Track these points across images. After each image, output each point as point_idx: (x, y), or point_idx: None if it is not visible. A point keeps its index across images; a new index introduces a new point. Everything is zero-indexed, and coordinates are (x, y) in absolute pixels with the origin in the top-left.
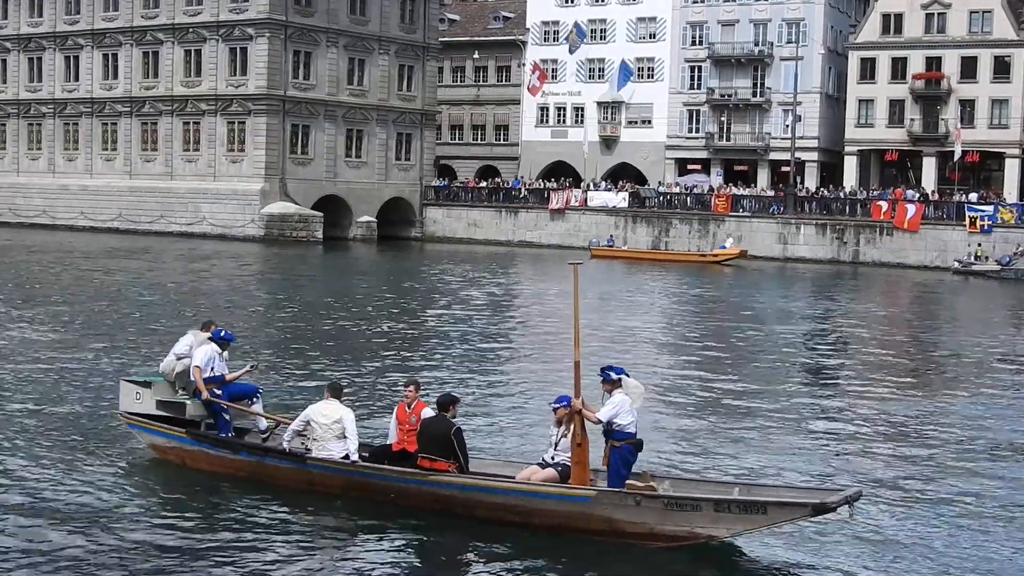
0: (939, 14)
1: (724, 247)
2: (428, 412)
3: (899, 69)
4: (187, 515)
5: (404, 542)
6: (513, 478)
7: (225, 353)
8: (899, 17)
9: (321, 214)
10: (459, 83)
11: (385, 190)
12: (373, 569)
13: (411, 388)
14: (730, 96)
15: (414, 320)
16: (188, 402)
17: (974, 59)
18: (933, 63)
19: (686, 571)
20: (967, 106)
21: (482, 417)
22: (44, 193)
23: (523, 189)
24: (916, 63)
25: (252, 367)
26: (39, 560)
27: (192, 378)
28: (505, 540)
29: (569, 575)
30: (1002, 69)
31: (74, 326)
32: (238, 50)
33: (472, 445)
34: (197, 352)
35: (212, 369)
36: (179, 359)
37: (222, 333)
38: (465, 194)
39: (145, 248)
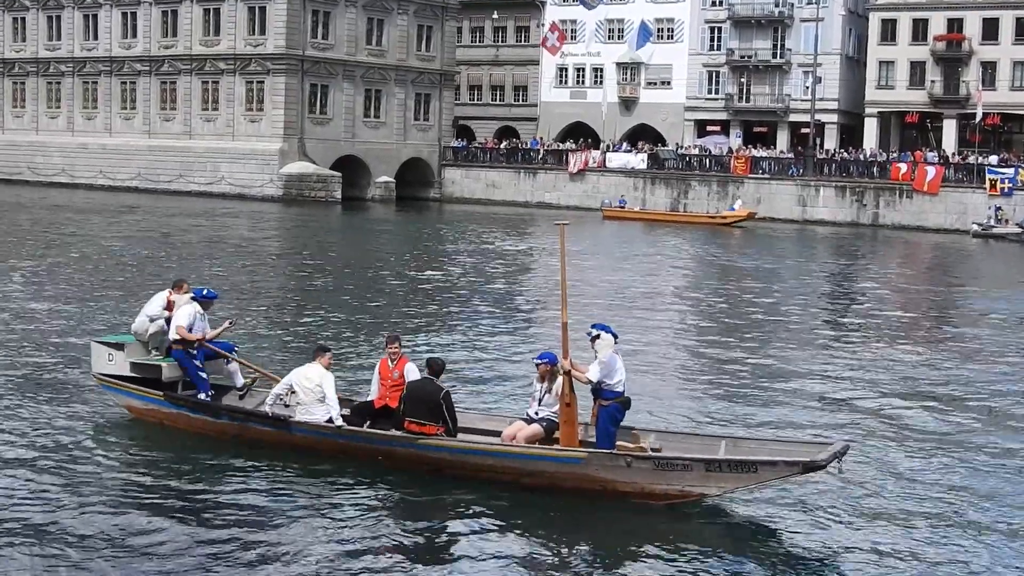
0: None
1: (733, 209)
2: (411, 368)
3: (920, 30)
4: (167, 475)
5: (392, 501)
6: (499, 433)
7: (206, 312)
8: None
9: (339, 174)
10: (478, 43)
11: (403, 150)
12: (361, 529)
13: (394, 344)
14: (750, 57)
15: (418, 279)
16: (164, 364)
17: (996, 20)
18: (954, 24)
19: (677, 527)
20: (988, 68)
21: (471, 371)
22: (63, 152)
23: (541, 150)
24: (937, 24)
25: (230, 323)
26: (10, 523)
27: (169, 338)
28: (495, 498)
29: (562, 532)
30: None
31: (57, 283)
32: (257, 9)
33: (458, 399)
34: (179, 312)
35: (191, 329)
36: (152, 320)
37: (204, 292)
38: (483, 155)
39: (152, 206)
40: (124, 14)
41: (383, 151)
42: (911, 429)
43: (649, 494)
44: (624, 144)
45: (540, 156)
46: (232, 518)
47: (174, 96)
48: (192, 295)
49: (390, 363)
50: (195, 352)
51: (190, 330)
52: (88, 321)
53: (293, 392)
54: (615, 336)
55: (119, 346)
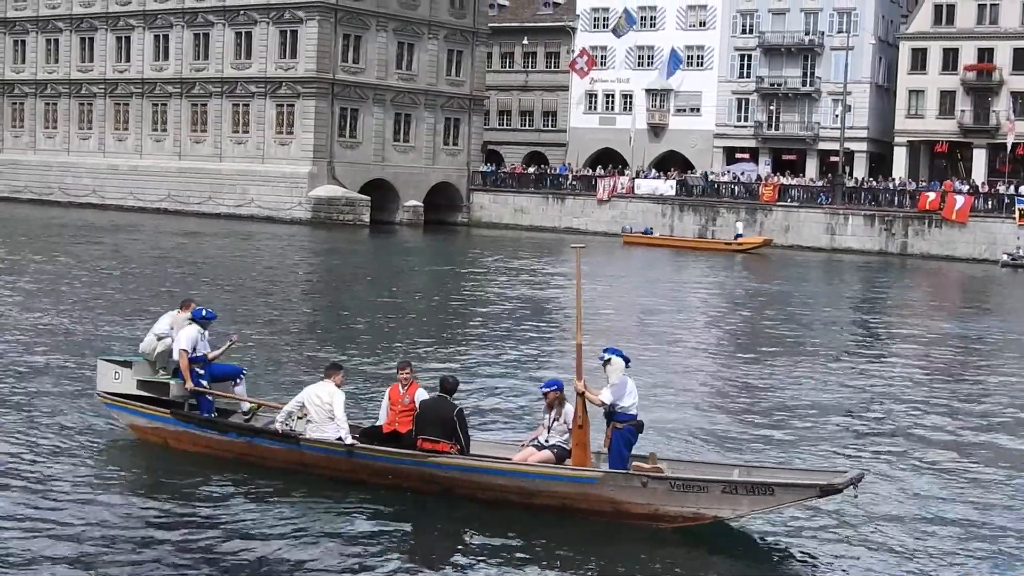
0: (992, 5)
1: (740, 235)
2: (422, 393)
3: (950, 60)
4: (173, 496)
5: (401, 524)
6: (510, 460)
7: (206, 332)
8: (951, 8)
9: (368, 198)
10: (508, 69)
11: (432, 175)
12: (368, 552)
13: (405, 370)
14: (779, 85)
15: (438, 302)
16: (172, 382)
17: None
18: (985, 54)
19: (689, 551)
20: (1019, 98)
21: (484, 395)
22: (93, 173)
23: (570, 176)
24: (968, 54)
25: (231, 342)
26: (15, 545)
27: (175, 359)
28: (507, 521)
29: (574, 555)
30: None
31: (70, 301)
32: (288, 33)
33: (469, 424)
34: (180, 334)
35: (195, 350)
36: (160, 339)
37: (203, 313)
38: (512, 180)
39: (180, 228)
40: (156, 37)
41: (412, 175)
42: (929, 458)
43: (663, 516)
44: (653, 171)
45: (568, 182)
46: (238, 538)
47: (205, 118)
48: (191, 316)
49: (401, 388)
50: (202, 372)
51: (193, 351)
52: (97, 339)
53: (304, 413)
54: (627, 360)
55: (126, 364)
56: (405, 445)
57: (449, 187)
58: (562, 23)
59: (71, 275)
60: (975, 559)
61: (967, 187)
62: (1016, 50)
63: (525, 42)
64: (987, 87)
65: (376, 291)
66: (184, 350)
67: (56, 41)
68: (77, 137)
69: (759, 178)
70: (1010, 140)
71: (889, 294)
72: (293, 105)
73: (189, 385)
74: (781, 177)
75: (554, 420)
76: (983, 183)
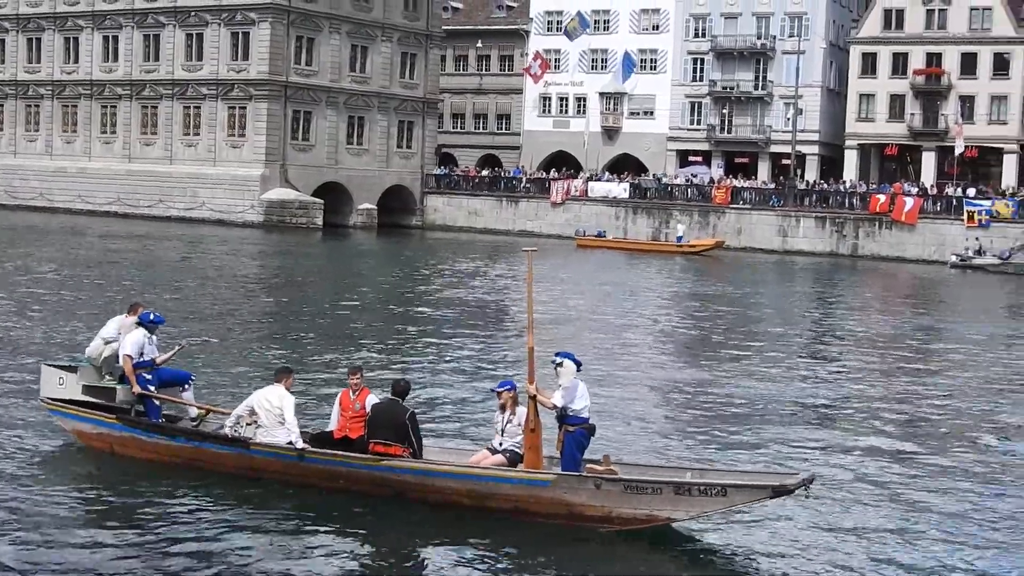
0: (940, 10)
1: (681, 238)
2: (373, 399)
3: (900, 64)
4: (119, 505)
5: (354, 528)
6: (462, 464)
7: (154, 336)
8: (900, 13)
9: (321, 201)
10: (462, 72)
11: (386, 177)
12: (321, 557)
13: (356, 375)
14: (732, 89)
15: (389, 305)
16: (118, 388)
17: (974, 56)
18: (934, 59)
19: (642, 554)
20: (967, 102)
21: (435, 400)
22: (41, 175)
23: (524, 178)
24: (917, 59)
25: (180, 348)
26: None
27: (120, 365)
28: (460, 524)
29: (527, 559)
30: (1002, 66)
31: (12, 305)
32: (240, 34)
33: (422, 429)
34: (126, 339)
35: (142, 354)
36: (107, 343)
37: (151, 316)
38: (466, 183)
39: (129, 231)
40: (105, 38)
41: (365, 178)
42: (879, 458)
43: (616, 518)
44: (606, 173)
45: (522, 185)
46: (186, 546)
47: (155, 121)
48: (138, 319)
49: (352, 394)
50: (149, 377)
51: (140, 355)
52: (41, 344)
53: (254, 418)
54: (578, 364)
55: (71, 369)
56: (357, 451)
57: (403, 190)
58: (516, 26)
59: (15, 278)
60: (926, 559)
61: (916, 189)
62: (964, 55)
63: (479, 45)
64: (936, 91)
65: (328, 295)
66: (128, 356)
67: (2, 42)
68: (24, 139)
69: (712, 181)
70: (959, 143)
71: (840, 295)
72: (245, 107)
73: (135, 389)
74: (733, 180)
75: (507, 422)
76: (932, 185)
